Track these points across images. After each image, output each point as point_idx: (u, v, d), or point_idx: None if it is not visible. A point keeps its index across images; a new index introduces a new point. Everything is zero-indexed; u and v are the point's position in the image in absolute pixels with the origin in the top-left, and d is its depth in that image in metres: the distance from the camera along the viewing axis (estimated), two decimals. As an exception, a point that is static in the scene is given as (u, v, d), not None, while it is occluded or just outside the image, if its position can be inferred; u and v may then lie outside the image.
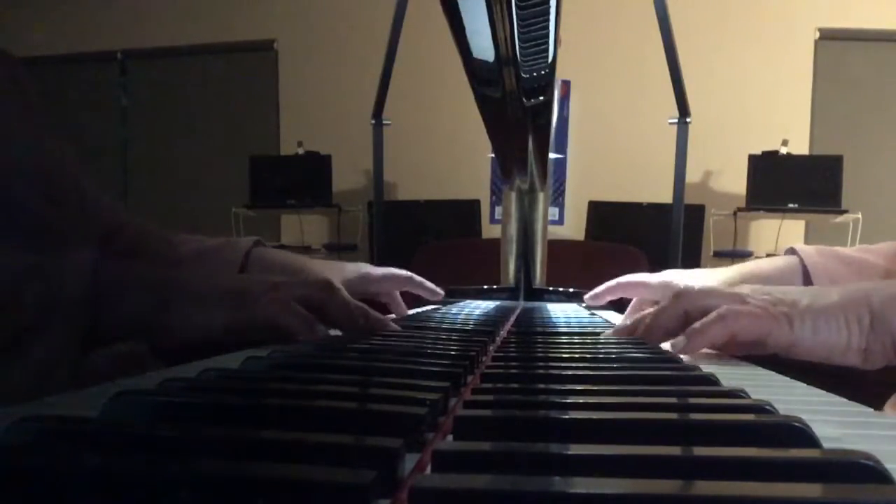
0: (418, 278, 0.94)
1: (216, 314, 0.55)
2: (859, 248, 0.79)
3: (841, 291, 0.51)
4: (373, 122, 2.09)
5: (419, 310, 0.95)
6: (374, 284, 0.90)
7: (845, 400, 0.35)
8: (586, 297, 0.98)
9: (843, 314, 0.49)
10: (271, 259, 0.83)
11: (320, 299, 0.57)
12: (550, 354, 0.46)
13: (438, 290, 0.96)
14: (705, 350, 0.53)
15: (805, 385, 0.40)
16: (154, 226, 0.78)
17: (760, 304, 0.51)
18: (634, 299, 0.91)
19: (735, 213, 3.75)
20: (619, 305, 0.98)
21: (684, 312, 0.54)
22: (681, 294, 0.56)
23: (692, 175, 2.92)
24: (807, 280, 0.76)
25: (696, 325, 0.50)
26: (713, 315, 0.50)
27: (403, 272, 0.93)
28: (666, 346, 0.54)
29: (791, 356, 0.50)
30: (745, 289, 0.55)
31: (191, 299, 0.55)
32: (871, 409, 0.33)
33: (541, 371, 0.40)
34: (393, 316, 0.82)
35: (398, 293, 0.94)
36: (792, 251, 0.80)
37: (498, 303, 1.18)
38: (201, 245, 0.79)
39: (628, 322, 0.61)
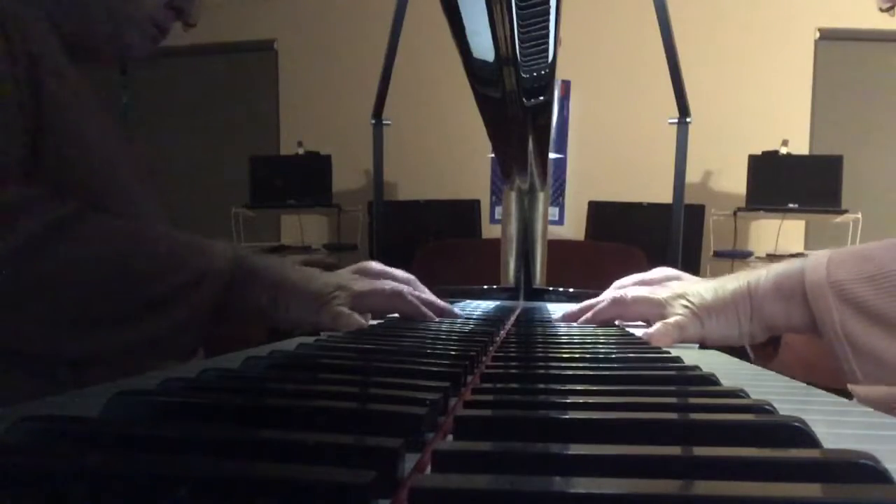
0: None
1: (308, 312, 0.66)
2: None
3: (735, 284, 0.65)
4: (373, 122, 2.09)
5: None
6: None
7: (845, 400, 0.35)
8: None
9: (735, 307, 0.64)
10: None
11: (393, 306, 0.73)
12: (550, 354, 0.46)
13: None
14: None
15: (805, 385, 0.40)
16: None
17: (681, 312, 0.66)
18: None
19: (735, 213, 3.75)
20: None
21: (616, 316, 0.74)
22: (617, 301, 0.73)
23: (692, 175, 2.92)
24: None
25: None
26: (649, 339, 0.63)
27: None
28: None
29: (701, 343, 0.66)
30: (665, 293, 0.69)
31: (293, 297, 0.66)
32: (871, 409, 0.33)
33: (541, 371, 0.40)
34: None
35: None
36: None
37: (498, 303, 1.18)
38: None
39: (576, 309, 0.79)
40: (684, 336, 0.65)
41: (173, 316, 0.58)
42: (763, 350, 0.71)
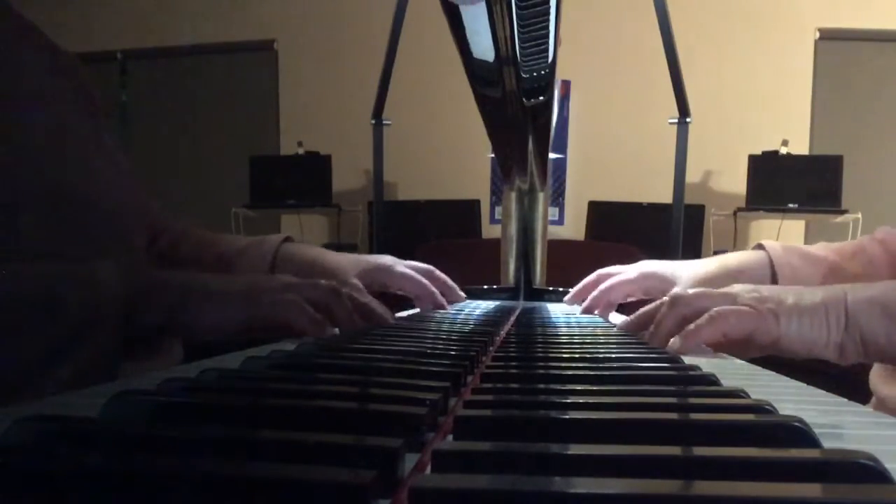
0: (441, 277, 0.95)
1: (231, 313, 0.59)
2: (820, 246, 0.84)
3: (824, 292, 0.55)
4: (373, 122, 2.09)
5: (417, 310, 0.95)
6: (394, 280, 0.91)
7: (845, 400, 0.35)
8: (566, 298, 1.04)
9: (825, 313, 0.53)
10: (300, 255, 0.89)
11: (326, 303, 0.61)
12: (550, 354, 0.46)
13: (460, 292, 0.99)
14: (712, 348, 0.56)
15: (805, 385, 0.40)
16: (195, 227, 0.87)
17: (749, 301, 0.55)
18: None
19: (735, 213, 3.75)
20: (620, 305, 0.98)
21: (682, 317, 0.56)
22: (676, 299, 0.58)
23: (692, 175, 2.92)
24: (773, 273, 0.82)
25: (691, 326, 0.53)
26: (705, 317, 0.53)
27: (422, 271, 0.93)
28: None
29: (777, 350, 0.55)
30: (736, 288, 0.58)
31: (208, 300, 0.59)
32: (871, 409, 0.33)
33: (541, 371, 0.40)
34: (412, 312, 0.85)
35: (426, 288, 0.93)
36: (760, 247, 0.86)
37: (498, 303, 1.18)
38: (237, 244, 0.87)
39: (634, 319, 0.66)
40: (745, 328, 0.53)
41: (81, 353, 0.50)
42: None
